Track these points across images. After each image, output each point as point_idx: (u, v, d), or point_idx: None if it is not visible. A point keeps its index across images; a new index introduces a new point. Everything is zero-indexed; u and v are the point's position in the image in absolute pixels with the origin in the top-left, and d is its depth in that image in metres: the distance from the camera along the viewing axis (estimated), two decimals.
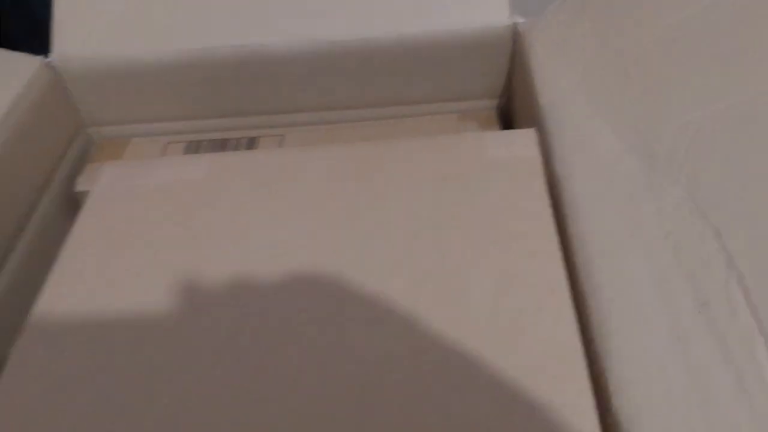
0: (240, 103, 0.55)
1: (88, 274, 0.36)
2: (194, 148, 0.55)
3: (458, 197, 0.37)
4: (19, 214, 0.50)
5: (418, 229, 0.36)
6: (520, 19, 0.50)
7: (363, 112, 0.55)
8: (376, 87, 0.54)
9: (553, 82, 0.44)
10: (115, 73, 0.54)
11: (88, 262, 0.37)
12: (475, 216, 0.36)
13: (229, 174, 0.40)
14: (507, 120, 0.54)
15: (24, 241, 0.50)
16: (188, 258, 0.37)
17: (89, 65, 0.54)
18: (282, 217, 0.38)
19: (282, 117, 0.56)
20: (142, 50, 0.53)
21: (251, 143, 0.54)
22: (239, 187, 0.39)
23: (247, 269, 0.36)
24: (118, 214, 0.39)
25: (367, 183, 0.39)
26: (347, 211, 0.37)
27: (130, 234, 0.38)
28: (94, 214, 0.39)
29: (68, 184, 0.55)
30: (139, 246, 0.37)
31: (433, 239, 0.36)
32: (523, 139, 0.39)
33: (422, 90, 0.54)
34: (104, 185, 0.41)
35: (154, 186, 0.40)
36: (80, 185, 0.53)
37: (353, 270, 0.35)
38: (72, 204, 0.55)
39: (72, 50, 0.53)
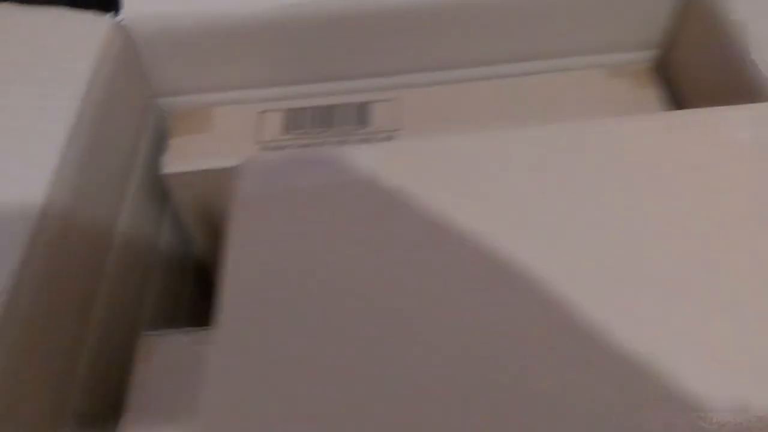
0: (345, 63, 0.47)
1: (263, 296, 0.29)
2: (295, 117, 0.46)
3: (713, 190, 0.30)
4: (112, 206, 0.42)
5: (673, 229, 0.29)
6: None
7: (491, 69, 0.47)
8: (507, 40, 0.46)
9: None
10: (195, 33, 0.45)
11: (260, 285, 0.30)
12: (739, 213, 0.30)
13: (406, 170, 0.33)
14: (665, 76, 0.47)
15: (119, 234, 0.42)
16: (375, 276, 0.29)
17: (165, 25, 0.44)
18: (492, 220, 0.30)
19: (396, 78, 0.47)
20: (227, 5, 0.44)
21: (362, 110, 0.46)
22: (426, 186, 0.32)
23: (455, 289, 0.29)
24: (281, 226, 0.31)
25: (588, 175, 0.31)
26: (575, 211, 0.30)
27: (301, 254, 0.31)
28: (250, 226, 0.32)
29: (151, 166, 0.46)
30: (317, 266, 0.30)
31: (695, 243, 0.29)
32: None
33: (563, 42, 0.46)
34: (251, 186, 0.33)
35: (316, 188, 0.32)
36: (168, 167, 0.45)
37: (604, 277, 0.28)
38: (159, 189, 0.46)
39: (145, 7, 0.44)
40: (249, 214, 0.33)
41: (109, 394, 0.39)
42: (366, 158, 0.34)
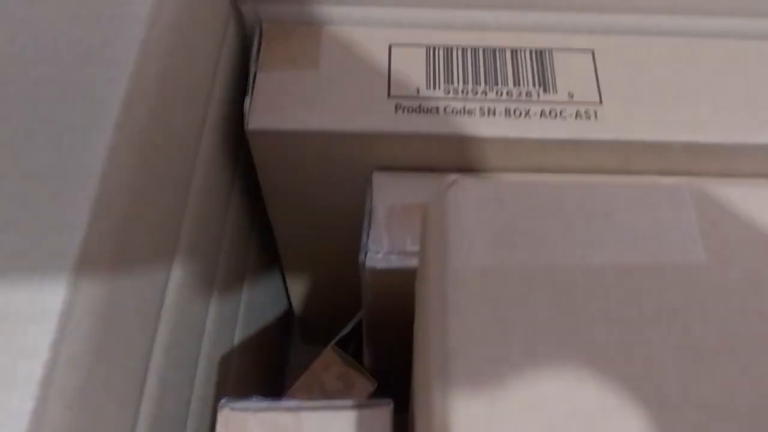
0: None
1: None
2: (443, 61, 0.32)
3: None
4: (185, 162, 0.28)
5: None
6: None
7: (730, 22, 0.33)
8: None
9: None
10: None
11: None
12: None
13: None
14: None
15: (193, 197, 0.29)
16: None
17: None
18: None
19: (590, 17, 0.33)
20: None
21: (542, 61, 0.32)
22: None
23: None
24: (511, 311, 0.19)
25: None
26: None
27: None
28: (470, 301, 0.19)
29: (228, 106, 0.32)
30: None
31: None
32: None
33: None
34: (466, 243, 0.20)
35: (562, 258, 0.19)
36: (252, 119, 0.31)
37: None
38: (236, 138, 0.33)
39: None
40: (468, 287, 0.19)
41: None
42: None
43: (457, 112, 0.31)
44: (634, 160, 0.31)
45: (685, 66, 0.32)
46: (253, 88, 0.31)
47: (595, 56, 0.32)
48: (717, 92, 0.31)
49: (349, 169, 0.32)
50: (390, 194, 0.32)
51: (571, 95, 0.31)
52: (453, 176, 0.21)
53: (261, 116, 0.31)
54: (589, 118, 0.31)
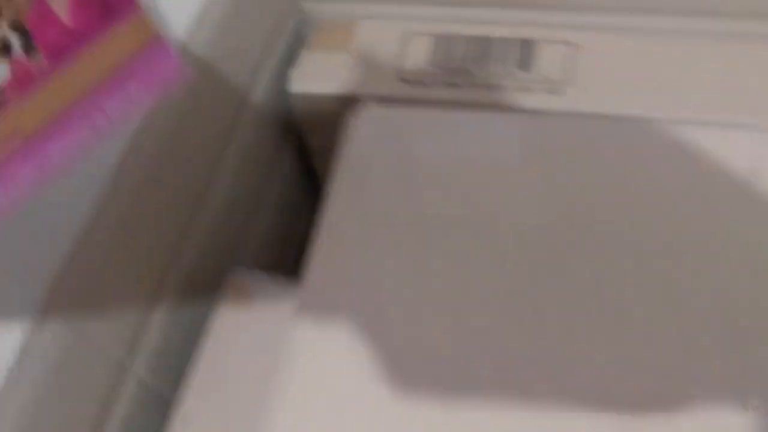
0: None
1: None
2: (445, 45, 0.40)
3: None
4: (226, 119, 0.38)
5: None
6: None
7: (717, 23, 0.37)
8: None
9: None
10: None
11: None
12: None
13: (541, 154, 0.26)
14: None
15: (233, 151, 0.39)
16: None
17: None
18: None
19: (575, 16, 0.39)
20: None
21: (527, 49, 0.39)
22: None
23: None
24: (385, 195, 0.26)
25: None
26: None
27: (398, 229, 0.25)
28: (353, 188, 0.26)
29: (279, 78, 0.42)
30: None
31: None
32: None
33: None
34: (362, 143, 0.28)
35: (431, 159, 0.26)
36: (296, 83, 0.40)
37: None
38: (282, 104, 0.42)
39: None
40: (355, 174, 0.27)
41: None
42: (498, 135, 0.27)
43: (445, 85, 0.38)
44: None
45: (679, 64, 0.37)
46: (298, 62, 0.41)
47: (580, 49, 0.38)
48: (703, 88, 0.36)
49: None
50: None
51: (545, 75, 0.37)
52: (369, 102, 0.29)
53: (299, 81, 0.40)
54: (554, 93, 0.37)
